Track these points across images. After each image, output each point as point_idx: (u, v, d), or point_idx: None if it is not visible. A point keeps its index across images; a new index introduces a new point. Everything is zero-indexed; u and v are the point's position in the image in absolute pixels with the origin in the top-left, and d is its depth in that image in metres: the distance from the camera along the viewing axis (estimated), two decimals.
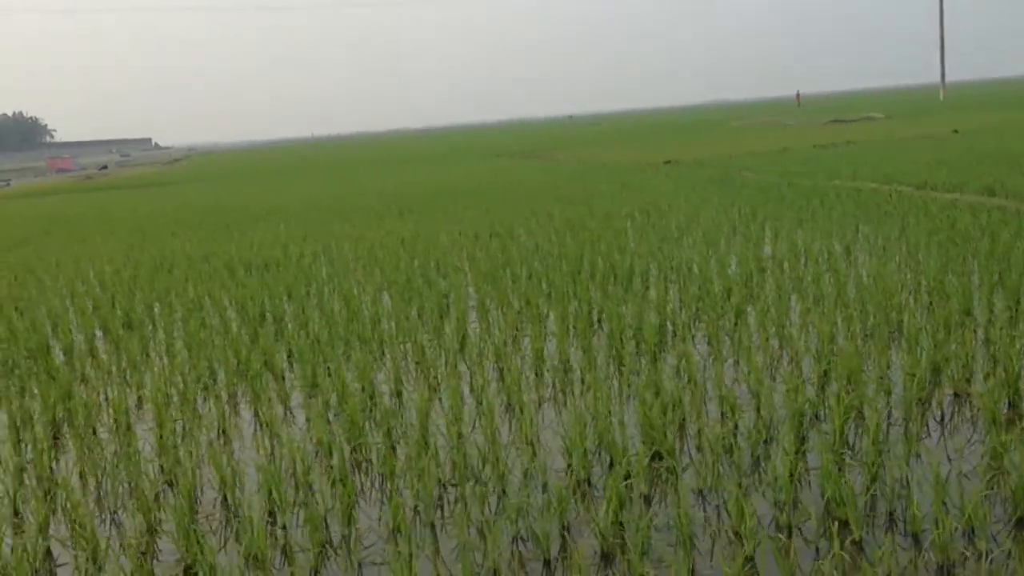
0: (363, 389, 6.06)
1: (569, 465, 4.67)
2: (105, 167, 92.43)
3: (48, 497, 4.87)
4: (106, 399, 6.58)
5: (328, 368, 6.67)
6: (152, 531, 4.34)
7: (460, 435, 5.08)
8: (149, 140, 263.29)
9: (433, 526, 4.14)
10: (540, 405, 5.73)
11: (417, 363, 6.84)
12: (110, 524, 4.50)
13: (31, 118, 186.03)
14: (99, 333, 8.74)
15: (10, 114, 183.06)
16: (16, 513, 4.72)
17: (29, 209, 30.58)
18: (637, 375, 6.03)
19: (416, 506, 4.32)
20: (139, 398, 6.49)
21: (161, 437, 5.44)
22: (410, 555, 3.84)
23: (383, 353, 7.15)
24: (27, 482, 5.09)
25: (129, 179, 52.86)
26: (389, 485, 4.64)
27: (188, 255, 13.66)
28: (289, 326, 8.19)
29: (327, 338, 7.40)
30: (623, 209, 15.07)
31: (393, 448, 5.14)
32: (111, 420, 6.03)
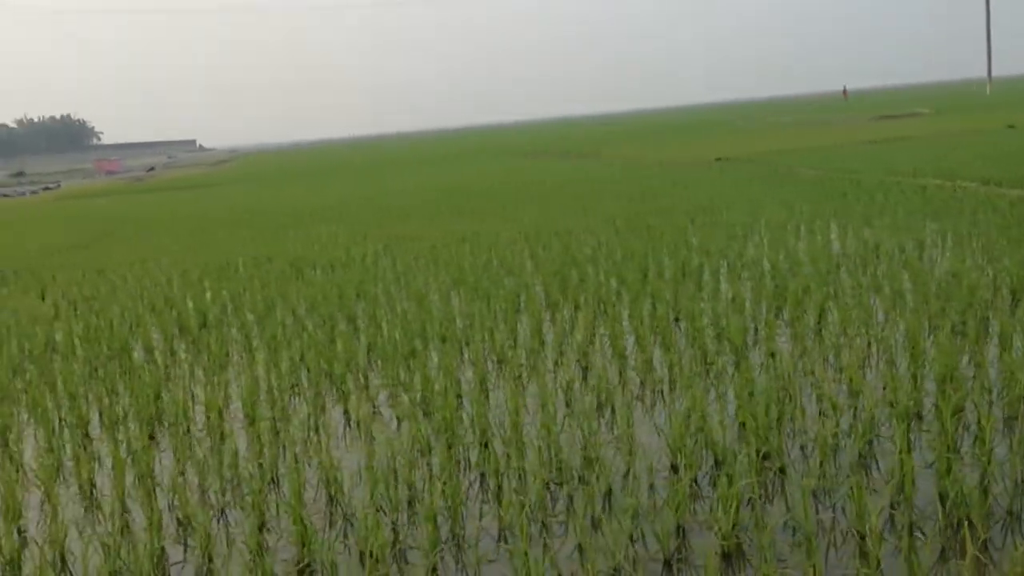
0: (446, 388, 6.07)
1: (674, 465, 4.64)
2: (152, 168, 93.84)
3: (151, 497, 4.93)
4: (193, 397, 6.66)
5: (409, 366, 6.70)
6: (262, 529, 4.38)
7: (553, 433, 5.07)
8: (193, 142, 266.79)
9: (544, 525, 4.13)
10: (630, 404, 5.71)
11: (499, 361, 6.84)
12: (220, 522, 4.55)
13: (79, 120, 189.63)
14: (176, 332, 8.85)
15: (58, 117, 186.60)
16: (125, 510, 4.79)
17: (85, 210, 31.12)
18: (725, 374, 5.98)
19: (523, 505, 4.31)
20: (226, 396, 6.55)
21: (257, 436, 5.50)
22: (525, 553, 3.84)
23: (462, 352, 7.17)
24: (129, 481, 5.16)
25: (177, 180, 53.58)
26: (492, 483, 4.64)
27: (252, 255, 13.81)
28: (364, 325, 8.24)
29: (404, 336, 7.42)
30: (681, 206, 14.99)
31: (484, 445, 5.13)
32: (204, 418, 6.10)
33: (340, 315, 8.73)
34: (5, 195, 59.22)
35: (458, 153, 53.65)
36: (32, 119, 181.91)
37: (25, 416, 6.56)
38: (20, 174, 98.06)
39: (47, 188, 63.79)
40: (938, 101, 63.68)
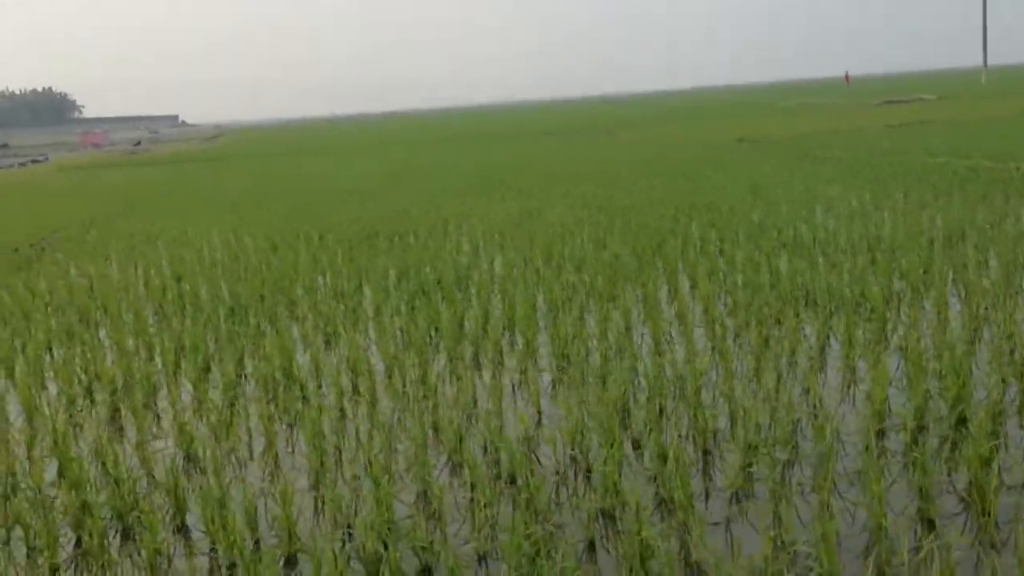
0: (586, 355, 6.02)
1: (880, 431, 4.61)
2: (139, 143, 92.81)
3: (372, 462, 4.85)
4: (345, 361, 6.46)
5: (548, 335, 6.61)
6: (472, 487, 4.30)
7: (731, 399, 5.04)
8: (176, 117, 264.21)
9: (775, 494, 4.07)
10: (788, 371, 5.67)
11: (628, 330, 6.76)
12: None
13: (60, 94, 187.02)
14: (279, 298, 8.70)
15: (40, 90, 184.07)
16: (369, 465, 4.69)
17: (91, 182, 30.70)
18: (870, 349, 5.93)
19: (750, 469, 4.26)
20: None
21: (435, 406, 5.41)
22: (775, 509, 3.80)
23: (582, 320, 7.07)
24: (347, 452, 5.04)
25: (175, 155, 52.98)
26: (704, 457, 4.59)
27: (304, 226, 13.65)
28: (475, 298, 8.14)
29: (524, 308, 7.32)
30: (729, 186, 14.92)
31: (660, 412, 5.07)
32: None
33: (431, 287, 8.61)
34: None
35: (465, 134, 53.26)
36: (14, 92, 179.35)
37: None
38: (4, 146, 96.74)
39: (35, 161, 62.94)
40: (937, 89, 63.91)
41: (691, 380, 5.20)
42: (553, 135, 42.17)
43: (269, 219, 15.22)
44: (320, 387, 6.03)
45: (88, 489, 4.41)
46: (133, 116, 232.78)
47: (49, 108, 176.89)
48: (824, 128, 28.79)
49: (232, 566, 3.78)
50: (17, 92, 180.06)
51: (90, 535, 4.02)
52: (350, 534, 3.96)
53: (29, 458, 5.17)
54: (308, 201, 17.98)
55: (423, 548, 3.69)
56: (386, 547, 3.66)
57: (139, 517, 4.16)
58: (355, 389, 5.89)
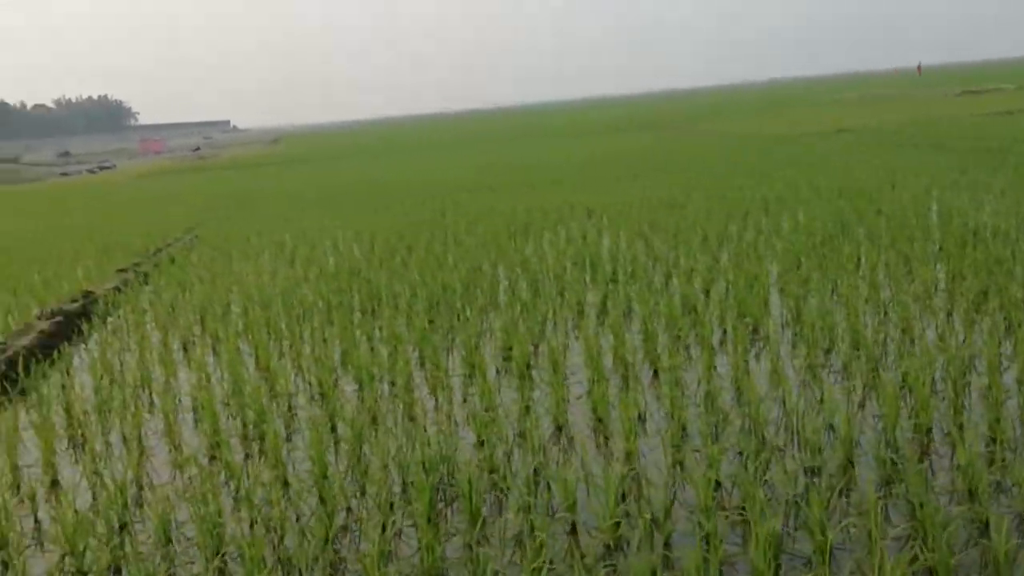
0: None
1: None
2: (198, 148, 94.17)
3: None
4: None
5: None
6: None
7: None
8: (227, 122, 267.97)
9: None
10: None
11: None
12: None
13: (116, 101, 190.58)
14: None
15: (95, 97, 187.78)
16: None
17: (175, 188, 31.00)
18: None
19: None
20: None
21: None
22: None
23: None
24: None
25: (243, 159, 53.42)
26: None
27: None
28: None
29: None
30: (871, 180, 14.46)
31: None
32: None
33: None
34: (65, 174, 59.64)
35: (536, 131, 53.08)
36: (70, 100, 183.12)
37: None
38: (66, 154, 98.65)
39: (103, 167, 64.13)
40: (1008, 79, 62.24)
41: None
42: (624, 131, 41.78)
43: (414, 214, 15.13)
44: None
45: None
46: (186, 122, 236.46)
47: (105, 116, 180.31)
48: (918, 117, 28.08)
49: None
50: (73, 100, 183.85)
51: None
52: None
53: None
54: (428, 195, 17.88)
55: None
56: None
57: None
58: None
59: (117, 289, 10.46)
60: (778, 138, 26.23)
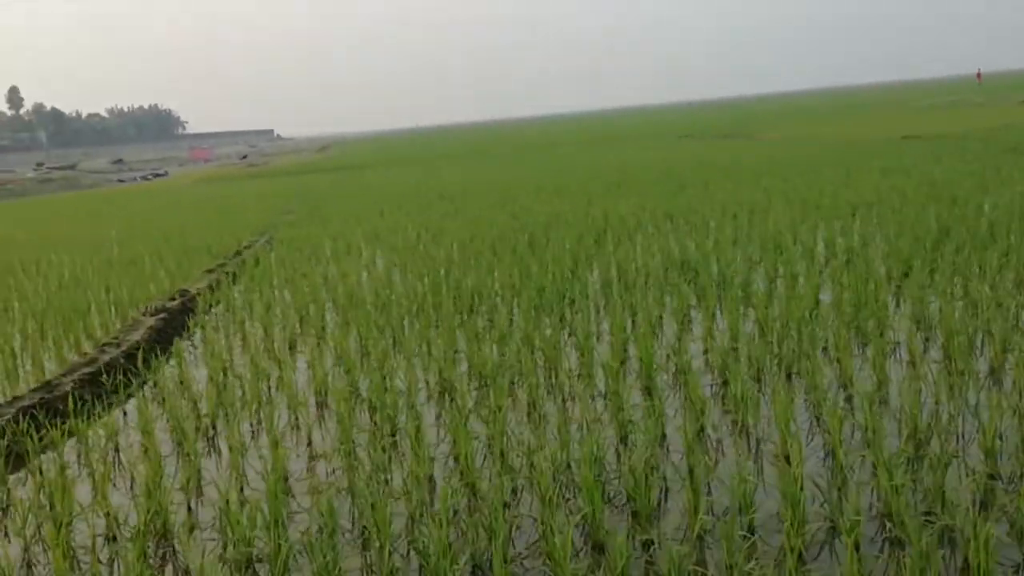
0: None
1: None
2: (246, 156, 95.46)
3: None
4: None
5: None
6: None
7: None
8: (271, 131, 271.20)
9: None
10: None
11: None
12: None
13: (165, 110, 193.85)
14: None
15: (146, 107, 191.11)
16: None
17: (236, 193, 31.32)
18: None
19: None
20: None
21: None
22: None
23: None
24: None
25: (298, 166, 53.97)
26: None
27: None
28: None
29: None
30: (950, 180, 14.19)
31: None
32: None
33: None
34: (121, 180, 60.81)
35: (594, 138, 52.99)
36: (122, 109, 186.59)
37: None
38: (119, 161, 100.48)
39: (157, 175, 65.23)
40: None
41: None
42: (688, 137, 41.56)
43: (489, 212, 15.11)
44: None
45: None
46: (232, 131, 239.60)
47: (154, 124, 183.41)
48: (986, 125, 27.52)
49: None
50: (126, 109, 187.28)
51: None
52: None
53: None
54: (494, 199, 17.86)
55: None
56: None
57: None
58: None
59: (210, 288, 10.54)
60: (846, 144, 25.88)
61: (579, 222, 13.44)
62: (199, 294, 9.96)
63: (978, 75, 73.78)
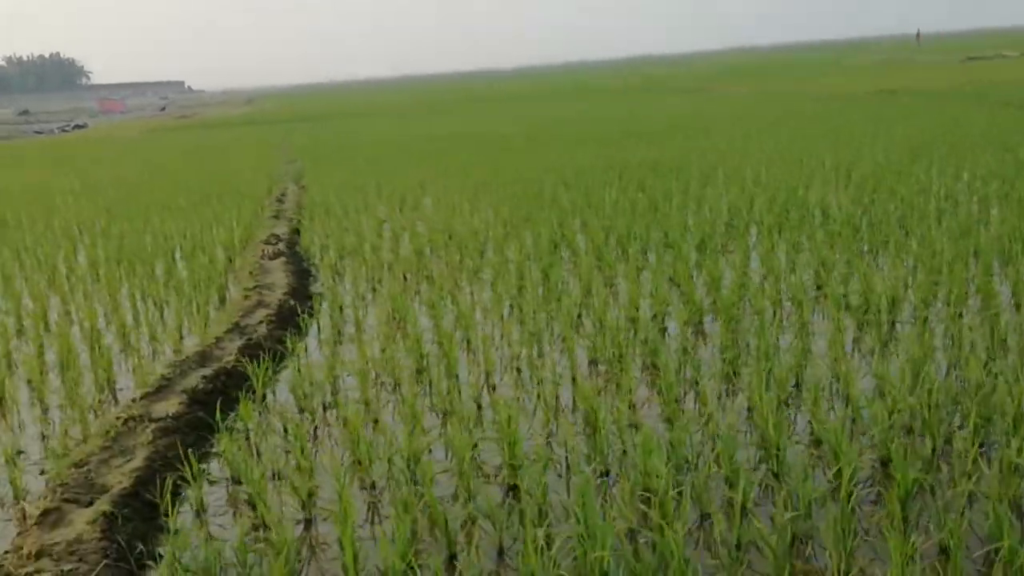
0: None
1: None
2: (164, 108, 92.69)
3: None
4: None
5: None
6: None
7: None
8: (182, 83, 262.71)
9: None
10: None
11: None
12: None
13: (68, 59, 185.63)
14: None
15: (47, 55, 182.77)
16: None
17: (193, 144, 30.54)
18: None
19: None
20: None
21: None
22: None
23: None
24: None
25: (236, 118, 52.63)
26: None
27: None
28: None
29: None
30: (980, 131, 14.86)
31: None
32: None
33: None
34: (38, 132, 58.28)
35: (541, 94, 52.92)
36: (21, 58, 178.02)
37: None
38: (26, 112, 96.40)
39: (77, 126, 62.90)
40: (1009, 46, 63.35)
41: None
42: (647, 91, 42.00)
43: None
44: None
45: None
46: (139, 82, 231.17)
47: (56, 74, 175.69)
48: (957, 81, 28.67)
49: None
50: (25, 58, 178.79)
51: None
52: None
53: None
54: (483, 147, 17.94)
55: None
56: None
57: None
58: None
59: (295, 231, 10.54)
60: (831, 97, 26.64)
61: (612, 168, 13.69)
62: (286, 237, 9.97)
63: (917, 35, 76.05)
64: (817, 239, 7.96)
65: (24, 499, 4.23)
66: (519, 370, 5.56)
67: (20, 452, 4.81)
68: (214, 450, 4.71)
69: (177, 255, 9.63)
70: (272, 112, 56.88)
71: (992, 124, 15.87)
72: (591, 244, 8.49)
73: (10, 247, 10.81)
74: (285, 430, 4.86)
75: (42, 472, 4.55)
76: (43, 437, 5.09)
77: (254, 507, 3.98)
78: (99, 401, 5.52)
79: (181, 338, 6.68)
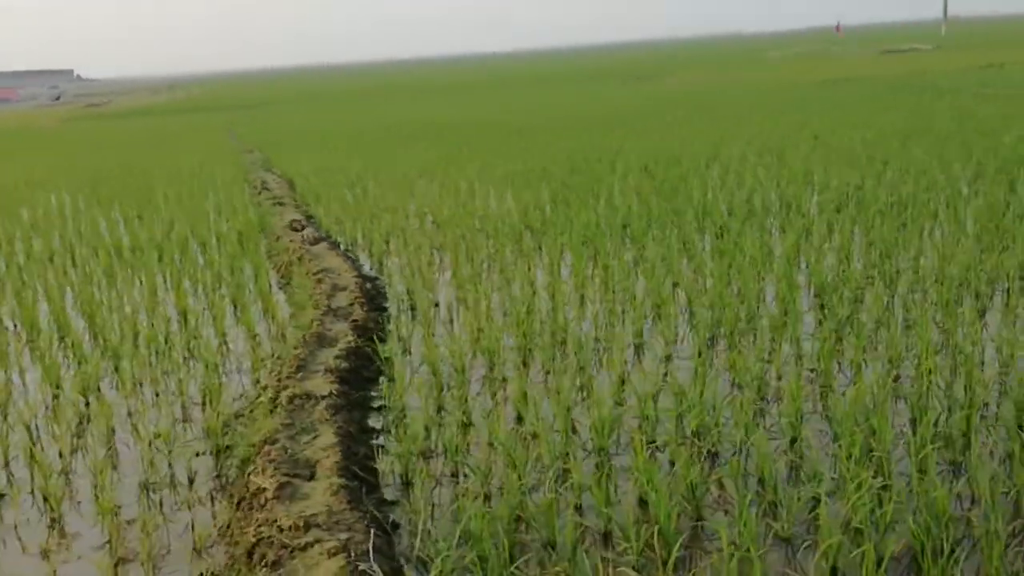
0: None
1: None
2: (58, 98, 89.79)
3: None
4: None
5: None
6: None
7: None
8: (71, 71, 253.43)
9: None
10: None
11: None
12: None
13: None
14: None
15: None
16: None
17: (154, 129, 29.71)
18: None
19: None
20: None
21: None
22: None
23: None
24: None
25: (162, 106, 51.12)
26: None
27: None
28: None
29: None
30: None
31: None
32: None
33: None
34: None
35: (475, 83, 52.88)
36: None
37: None
38: None
39: None
40: (921, 40, 66.08)
41: None
42: (593, 80, 42.55)
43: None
44: None
45: None
46: (24, 71, 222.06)
47: None
48: (891, 72, 29.93)
49: None
50: None
51: None
52: None
53: None
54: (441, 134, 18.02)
55: None
56: None
57: None
58: None
59: (308, 216, 10.49)
60: (779, 87, 27.46)
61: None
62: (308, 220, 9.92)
63: (837, 28, 78.57)
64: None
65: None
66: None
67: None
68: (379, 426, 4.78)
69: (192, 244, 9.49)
70: (191, 100, 55.49)
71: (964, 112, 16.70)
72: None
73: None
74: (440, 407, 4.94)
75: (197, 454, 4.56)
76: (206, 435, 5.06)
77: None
78: (217, 384, 5.45)
79: (273, 319, 6.73)
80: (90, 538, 3.91)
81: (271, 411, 4.67)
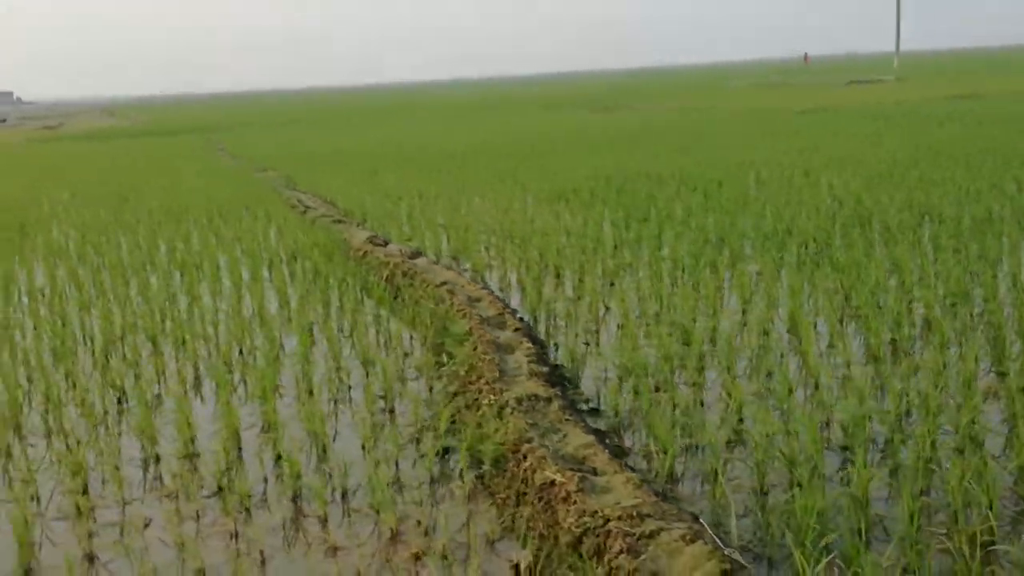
0: None
1: None
2: (4, 120, 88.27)
3: None
4: None
5: None
6: None
7: None
8: (10, 94, 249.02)
9: None
10: None
11: None
12: None
13: None
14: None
15: None
16: None
17: (137, 152, 29.28)
18: None
19: None
20: None
21: None
22: None
23: None
24: None
25: (119, 130, 50.38)
26: None
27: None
28: None
29: None
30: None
31: None
32: None
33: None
34: None
35: (463, 107, 53.04)
36: None
37: None
38: None
39: None
40: (883, 71, 68.01)
41: None
42: (561, 109, 43.00)
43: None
44: None
45: None
46: None
47: None
48: (861, 102, 30.87)
49: None
50: None
51: None
52: None
53: None
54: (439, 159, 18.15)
55: None
56: None
57: None
58: None
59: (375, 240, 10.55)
60: (759, 113, 28.11)
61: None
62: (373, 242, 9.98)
63: (805, 58, 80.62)
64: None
65: None
66: None
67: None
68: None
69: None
70: (153, 123, 54.80)
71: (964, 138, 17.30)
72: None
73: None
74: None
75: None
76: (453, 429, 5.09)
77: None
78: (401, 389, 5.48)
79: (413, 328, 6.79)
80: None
81: (498, 413, 4.72)
